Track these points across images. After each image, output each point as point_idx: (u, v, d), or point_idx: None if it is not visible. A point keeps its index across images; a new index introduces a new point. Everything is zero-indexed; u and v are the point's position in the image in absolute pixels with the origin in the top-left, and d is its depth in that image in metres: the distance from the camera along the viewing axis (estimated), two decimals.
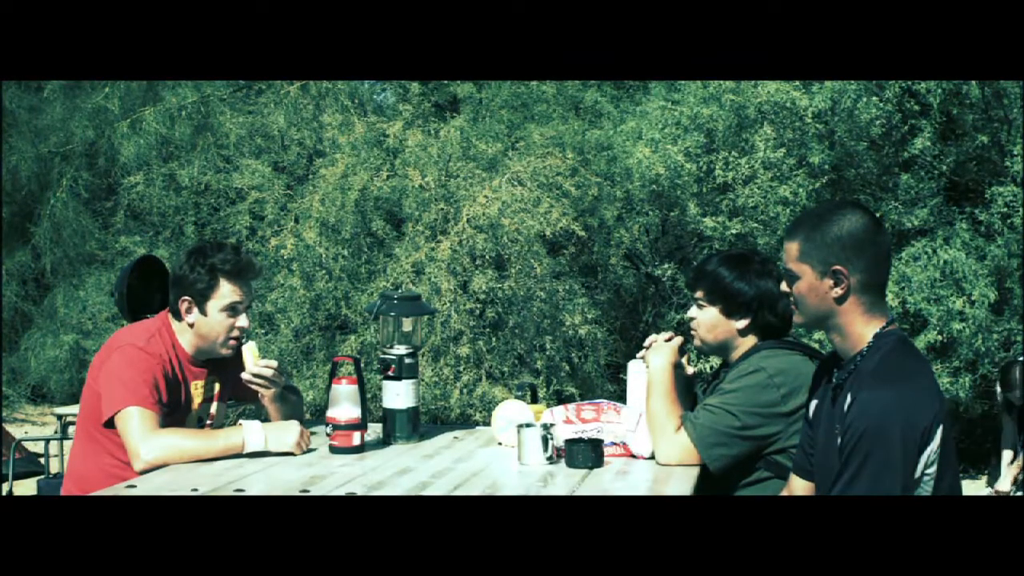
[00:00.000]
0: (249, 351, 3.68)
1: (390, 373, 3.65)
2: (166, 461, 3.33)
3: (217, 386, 3.82)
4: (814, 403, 2.96)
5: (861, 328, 2.76)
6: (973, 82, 8.11)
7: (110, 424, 3.47)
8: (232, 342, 3.70)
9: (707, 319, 3.53)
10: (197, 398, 3.73)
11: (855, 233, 2.73)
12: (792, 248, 2.80)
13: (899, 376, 2.65)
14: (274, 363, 3.70)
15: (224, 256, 3.66)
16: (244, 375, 3.66)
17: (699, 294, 3.55)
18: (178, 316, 3.67)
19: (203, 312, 3.66)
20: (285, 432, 3.51)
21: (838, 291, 2.74)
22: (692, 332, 3.60)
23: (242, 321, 3.70)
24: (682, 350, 3.52)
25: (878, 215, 2.99)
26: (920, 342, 7.75)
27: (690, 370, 3.64)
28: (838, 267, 2.73)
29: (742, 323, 3.49)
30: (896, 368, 2.67)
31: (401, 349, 3.68)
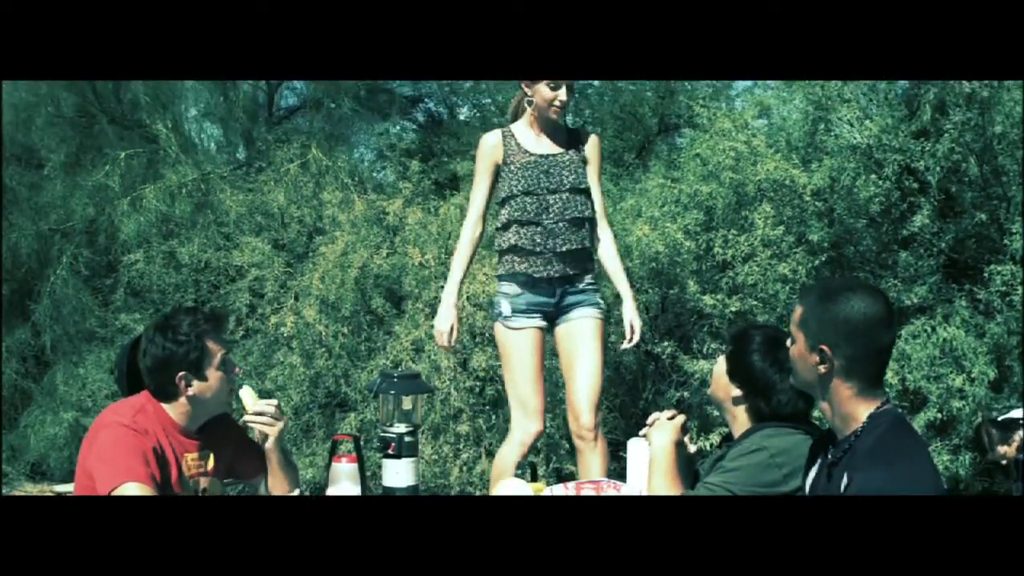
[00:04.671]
0: (247, 394, 3.70)
1: (390, 451, 3.64)
2: None
3: (211, 459, 3.81)
4: (810, 478, 2.96)
5: (852, 407, 2.75)
6: (972, 159, 8.15)
7: None
8: (231, 393, 3.73)
9: (717, 370, 3.57)
10: (191, 469, 3.71)
11: (852, 320, 2.72)
12: (797, 311, 2.82)
13: (895, 457, 2.64)
14: (274, 401, 3.70)
15: (194, 319, 3.67)
16: (247, 417, 3.66)
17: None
18: (172, 396, 3.65)
19: (203, 379, 3.66)
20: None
21: (822, 368, 2.75)
22: None
23: (234, 370, 3.74)
24: (684, 428, 3.52)
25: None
26: (920, 420, 7.71)
27: (692, 448, 3.64)
28: (824, 347, 2.73)
29: (736, 392, 3.50)
30: (892, 448, 2.66)
31: (401, 427, 3.68)
